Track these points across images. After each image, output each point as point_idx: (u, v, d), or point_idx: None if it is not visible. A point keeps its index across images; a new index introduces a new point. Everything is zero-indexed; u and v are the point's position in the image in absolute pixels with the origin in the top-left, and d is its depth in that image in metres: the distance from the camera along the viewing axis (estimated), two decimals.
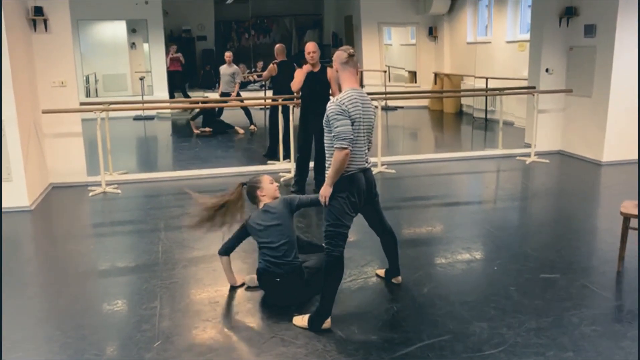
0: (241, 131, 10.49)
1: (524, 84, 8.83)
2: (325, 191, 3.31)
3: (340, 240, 3.35)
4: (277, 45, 8.11)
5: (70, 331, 3.39)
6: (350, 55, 3.38)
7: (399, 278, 4.00)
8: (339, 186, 3.31)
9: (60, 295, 3.93)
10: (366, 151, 3.44)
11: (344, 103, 3.24)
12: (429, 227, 5.38)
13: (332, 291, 3.37)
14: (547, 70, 8.14)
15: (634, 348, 3.12)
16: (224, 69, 10.59)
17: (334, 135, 3.23)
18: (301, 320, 3.42)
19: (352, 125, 3.24)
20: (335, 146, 3.22)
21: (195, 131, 10.55)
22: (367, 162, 3.45)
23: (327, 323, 3.37)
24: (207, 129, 10.52)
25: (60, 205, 6.22)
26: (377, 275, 4.13)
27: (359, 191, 3.37)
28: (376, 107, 3.86)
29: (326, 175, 3.34)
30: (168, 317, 3.54)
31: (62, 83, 6.54)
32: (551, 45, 8.06)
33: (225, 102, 10.40)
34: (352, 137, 3.22)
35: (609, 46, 7.28)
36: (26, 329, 3.44)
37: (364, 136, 3.37)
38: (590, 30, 7.57)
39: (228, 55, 10.64)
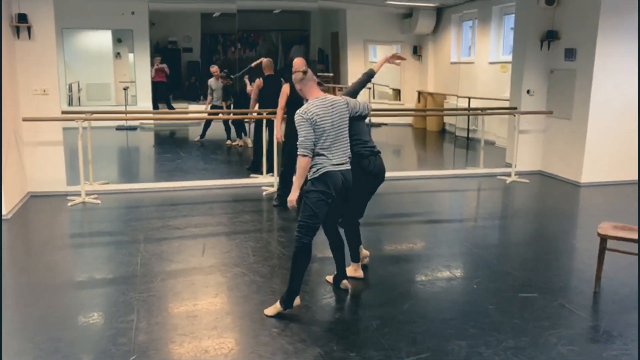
0: (241, 142, 10.51)
1: (506, 104, 8.97)
2: (293, 196, 3.60)
3: (311, 231, 3.61)
4: (265, 60, 8.13)
5: (44, 344, 3.32)
6: (304, 72, 3.71)
7: (346, 282, 4.16)
8: (315, 182, 3.56)
9: (35, 306, 3.85)
10: (344, 151, 3.68)
11: (306, 113, 3.55)
12: (410, 244, 5.40)
13: (300, 274, 3.65)
14: (528, 91, 8.28)
15: None
16: (213, 83, 10.60)
17: (297, 143, 3.55)
18: (273, 309, 3.69)
19: (319, 130, 3.54)
20: (297, 153, 3.55)
21: (237, 142, 10.52)
22: (345, 162, 3.68)
23: (297, 300, 3.69)
24: (240, 141, 10.48)
25: (38, 215, 6.12)
26: (327, 282, 4.24)
27: (335, 187, 3.61)
28: (366, 103, 4.01)
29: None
30: (145, 331, 3.49)
31: (44, 91, 6.47)
32: (532, 67, 8.22)
33: (216, 114, 10.39)
34: (312, 145, 3.53)
35: (588, 70, 7.44)
36: None
37: (335, 138, 3.62)
38: (570, 54, 7.73)
39: (215, 69, 10.66)
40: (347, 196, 3.82)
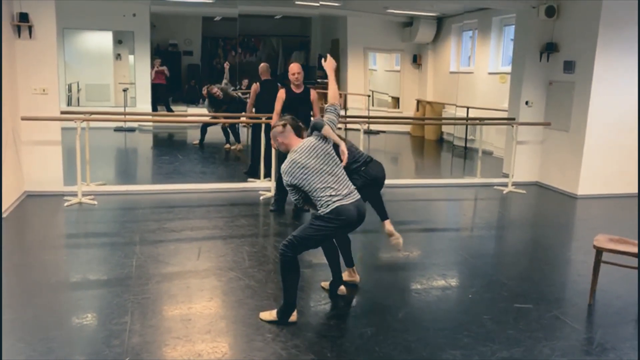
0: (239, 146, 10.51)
1: (504, 115, 9.00)
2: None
3: (297, 251, 3.56)
4: (261, 65, 8.15)
5: (36, 344, 3.31)
6: (283, 126, 3.65)
7: (343, 288, 4.16)
8: (327, 215, 3.45)
9: (28, 306, 3.84)
10: (347, 182, 3.59)
11: (291, 166, 3.55)
12: (406, 252, 5.40)
13: (293, 287, 3.62)
14: (526, 102, 8.31)
15: None
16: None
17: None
18: (269, 315, 3.68)
19: (311, 172, 3.49)
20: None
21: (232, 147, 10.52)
22: (353, 191, 3.59)
23: (294, 316, 3.65)
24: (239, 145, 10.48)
25: (34, 214, 6.10)
26: (322, 288, 4.22)
27: (347, 220, 3.49)
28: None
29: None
30: (138, 333, 3.48)
31: (44, 90, 6.47)
32: (531, 78, 8.26)
33: (214, 118, 10.39)
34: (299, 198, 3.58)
35: (587, 83, 7.47)
36: None
37: (330, 173, 3.53)
38: (569, 66, 7.77)
39: (217, 92, 10.68)
40: (359, 224, 3.66)
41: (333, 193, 3.47)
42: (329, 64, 3.98)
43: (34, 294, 4.06)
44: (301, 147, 3.58)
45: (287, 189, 3.64)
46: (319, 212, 3.49)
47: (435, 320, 3.85)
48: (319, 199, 3.48)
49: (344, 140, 3.81)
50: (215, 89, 10.40)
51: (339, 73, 15.32)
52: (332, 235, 3.65)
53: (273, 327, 3.60)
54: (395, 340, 3.53)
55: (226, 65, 11.68)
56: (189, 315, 3.76)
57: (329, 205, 3.45)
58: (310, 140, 3.63)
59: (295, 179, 3.53)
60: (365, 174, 4.26)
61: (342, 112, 11.92)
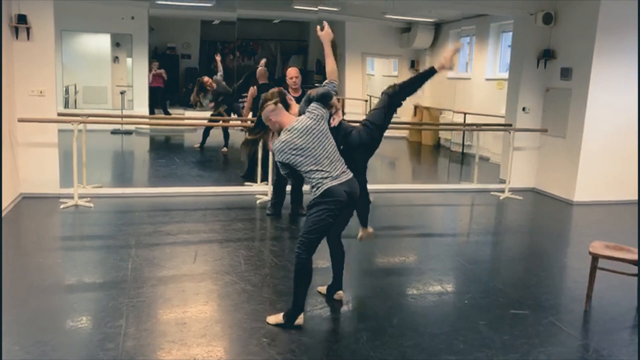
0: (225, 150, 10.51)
1: (501, 121, 9.03)
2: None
3: (311, 247, 3.54)
4: (259, 69, 8.16)
5: (30, 347, 3.29)
6: (275, 104, 3.57)
7: (341, 293, 4.11)
8: (319, 200, 3.46)
9: (23, 309, 3.82)
10: (338, 166, 3.53)
11: (282, 145, 3.50)
12: (403, 257, 5.40)
13: (304, 291, 3.61)
14: (523, 109, 8.33)
15: None
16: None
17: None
18: (275, 318, 3.67)
19: (301, 152, 3.45)
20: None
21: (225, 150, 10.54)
22: (345, 171, 3.55)
23: (300, 319, 3.62)
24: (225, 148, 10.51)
25: (30, 216, 6.08)
26: (319, 293, 4.18)
27: (339, 202, 3.47)
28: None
29: None
30: (133, 337, 3.46)
31: (41, 92, 6.46)
32: (529, 85, 8.29)
33: (213, 121, 10.39)
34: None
35: (583, 90, 7.50)
36: None
37: (323, 158, 3.48)
38: (566, 73, 7.80)
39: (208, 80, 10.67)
40: (355, 204, 3.67)
41: (325, 175, 3.46)
42: (325, 34, 3.80)
43: (29, 296, 4.04)
44: (295, 128, 3.48)
45: (278, 164, 3.61)
46: (312, 196, 3.51)
47: (431, 326, 3.84)
48: (311, 179, 3.50)
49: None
50: (207, 78, 10.40)
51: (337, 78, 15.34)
52: (333, 216, 3.48)
53: (268, 332, 3.59)
54: (390, 345, 3.52)
55: (217, 57, 11.65)
56: (184, 319, 3.74)
57: (319, 187, 3.46)
58: (304, 121, 3.51)
59: (287, 159, 3.50)
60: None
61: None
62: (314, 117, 3.54)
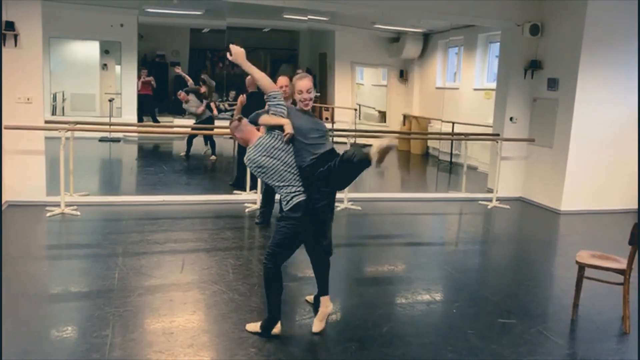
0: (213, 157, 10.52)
1: (489, 130, 9.10)
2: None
3: (277, 259, 3.57)
4: (248, 77, 8.15)
5: (15, 357, 3.24)
6: (239, 120, 3.64)
7: (327, 297, 3.99)
8: (289, 212, 3.52)
9: (7, 318, 3.75)
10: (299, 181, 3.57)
11: (251, 161, 3.58)
12: (391, 266, 5.40)
13: (276, 299, 3.61)
14: (511, 119, 8.41)
15: None
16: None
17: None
18: (254, 326, 3.68)
19: (267, 172, 3.53)
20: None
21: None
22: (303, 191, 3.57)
23: (277, 329, 3.63)
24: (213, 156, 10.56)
25: (15, 225, 6.01)
26: (307, 302, 4.18)
27: (305, 217, 3.53)
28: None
29: None
30: (119, 347, 3.42)
31: (28, 99, 6.41)
32: (516, 95, 8.37)
33: (199, 129, 10.39)
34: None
35: (570, 100, 7.59)
36: None
37: (288, 173, 3.54)
38: (553, 83, 7.89)
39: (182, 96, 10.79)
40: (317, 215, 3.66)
41: (293, 190, 3.54)
42: (236, 54, 3.64)
43: (13, 306, 3.98)
44: (257, 146, 3.56)
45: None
46: (283, 207, 3.58)
47: (420, 335, 3.84)
48: (280, 193, 3.60)
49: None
50: (182, 94, 10.63)
51: (326, 87, 15.41)
52: (298, 232, 3.54)
53: (256, 341, 3.57)
54: (379, 354, 3.51)
55: (177, 70, 11.88)
56: (172, 329, 3.71)
57: (288, 201, 3.54)
58: (265, 140, 3.57)
59: (256, 174, 3.65)
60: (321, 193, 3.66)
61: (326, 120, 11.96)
62: (273, 135, 3.60)
